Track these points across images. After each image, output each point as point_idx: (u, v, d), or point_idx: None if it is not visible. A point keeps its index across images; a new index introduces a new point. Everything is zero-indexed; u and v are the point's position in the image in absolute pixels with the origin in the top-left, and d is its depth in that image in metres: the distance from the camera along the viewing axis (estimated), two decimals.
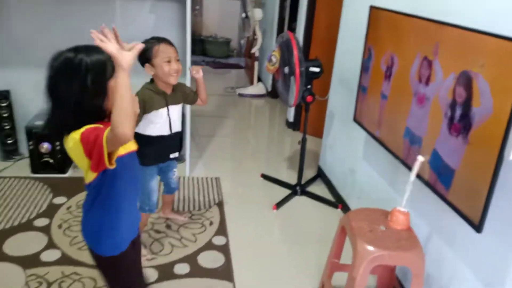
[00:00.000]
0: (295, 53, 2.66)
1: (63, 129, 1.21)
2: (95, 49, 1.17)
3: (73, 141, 1.18)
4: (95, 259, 1.40)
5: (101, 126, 1.19)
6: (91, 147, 1.14)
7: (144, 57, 2.02)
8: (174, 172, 2.43)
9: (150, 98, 2.07)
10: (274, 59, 2.81)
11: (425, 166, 1.80)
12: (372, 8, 2.32)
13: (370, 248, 1.68)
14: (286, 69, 2.78)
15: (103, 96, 1.20)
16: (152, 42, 2.03)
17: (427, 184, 1.79)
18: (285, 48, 2.74)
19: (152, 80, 2.13)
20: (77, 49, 1.19)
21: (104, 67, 1.18)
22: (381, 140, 2.23)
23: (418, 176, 1.84)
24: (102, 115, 1.23)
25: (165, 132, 2.17)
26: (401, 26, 2.02)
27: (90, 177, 1.24)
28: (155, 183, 2.25)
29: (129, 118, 1.07)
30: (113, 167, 1.18)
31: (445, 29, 1.66)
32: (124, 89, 1.06)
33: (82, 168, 1.24)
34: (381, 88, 2.20)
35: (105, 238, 1.36)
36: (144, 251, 2.28)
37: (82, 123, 1.18)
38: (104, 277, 1.46)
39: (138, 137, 2.04)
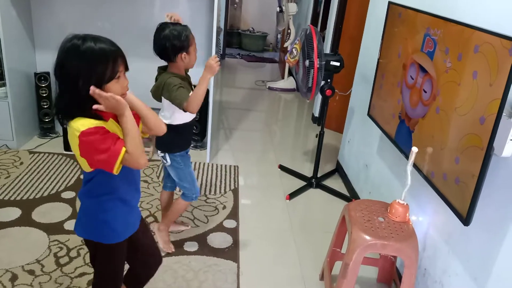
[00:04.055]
0: (315, 46, 2.70)
1: (64, 112, 1.25)
2: (104, 41, 1.24)
3: (72, 133, 1.22)
4: (90, 243, 1.46)
5: (102, 126, 1.23)
6: (93, 153, 1.22)
7: (182, 46, 1.87)
8: None
9: (184, 84, 1.94)
10: (294, 52, 2.86)
11: (424, 159, 1.83)
12: (390, 4, 2.34)
13: (364, 236, 1.72)
14: (307, 62, 2.82)
15: (98, 85, 1.21)
16: (185, 29, 1.89)
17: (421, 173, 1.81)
18: (306, 41, 2.79)
19: (165, 68, 1.99)
20: (85, 38, 1.22)
21: (106, 59, 1.21)
22: (390, 134, 2.25)
23: (419, 170, 1.87)
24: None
25: (193, 115, 2.10)
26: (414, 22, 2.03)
27: (86, 168, 1.32)
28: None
29: (141, 150, 1.27)
30: (117, 173, 1.26)
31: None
32: (131, 124, 1.25)
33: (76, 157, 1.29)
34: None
35: (102, 225, 1.40)
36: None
37: (77, 111, 1.22)
38: (93, 260, 1.51)
39: (174, 128, 2.05)
